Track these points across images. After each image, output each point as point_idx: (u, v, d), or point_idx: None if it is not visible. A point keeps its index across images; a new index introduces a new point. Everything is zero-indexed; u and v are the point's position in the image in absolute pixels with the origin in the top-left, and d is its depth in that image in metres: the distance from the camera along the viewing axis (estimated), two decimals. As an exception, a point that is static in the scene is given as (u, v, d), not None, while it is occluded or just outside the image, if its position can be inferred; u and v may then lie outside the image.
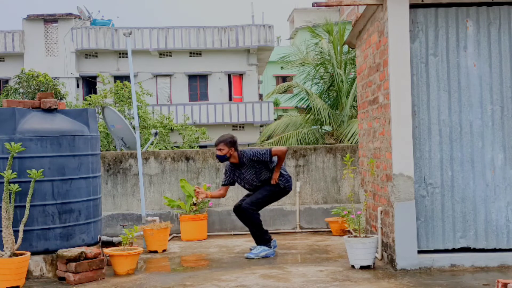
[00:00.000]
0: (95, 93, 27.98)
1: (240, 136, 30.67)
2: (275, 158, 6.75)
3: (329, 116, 16.68)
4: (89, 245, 5.93)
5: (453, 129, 5.62)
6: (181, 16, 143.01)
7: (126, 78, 27.34)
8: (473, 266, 5.51)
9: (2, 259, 5.16)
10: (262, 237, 6.68)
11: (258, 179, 6.74)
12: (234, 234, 8.41)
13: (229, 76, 31.28)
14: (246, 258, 6.50)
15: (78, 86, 31.06)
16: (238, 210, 6.75)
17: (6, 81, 29.70)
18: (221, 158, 6.69)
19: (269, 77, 42.41)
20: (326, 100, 17.75)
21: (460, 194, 5.61)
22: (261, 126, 30.61)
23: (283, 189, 6.78)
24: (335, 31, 18.01)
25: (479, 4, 5.66)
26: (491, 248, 5.60)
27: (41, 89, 23.54)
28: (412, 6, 5.62)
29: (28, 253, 5.39)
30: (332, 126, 17.14)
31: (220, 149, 6.64)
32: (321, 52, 18.01)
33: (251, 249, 6.81)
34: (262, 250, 6.59)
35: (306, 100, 17.58)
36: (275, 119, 29.00)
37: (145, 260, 6.62)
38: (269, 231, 7.27)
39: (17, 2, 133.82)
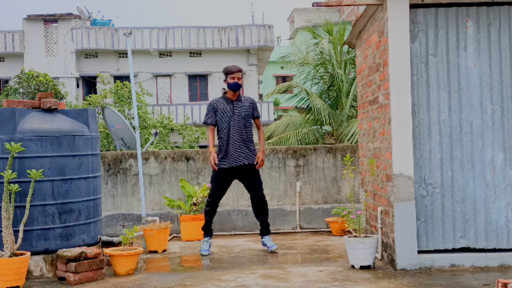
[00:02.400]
0: (95, 93, 28.01)
1: (240, 136, 30.71)
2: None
3: (329, 116, 16.70)
4: (89, 245, 5.93)
5: (453, 129, 5.62)
6: (181, 16, 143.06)
7: (126, 78, 27.36)
8: (473, 266, 5.51)
9: (2, 259, 5.16)
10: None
11: (245, 128, 6.73)
12: (234, 234, 8.41)
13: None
14: (275, 251, 6.77)
15: (78, 86, 31.08)
16: (261, 199, 6.83)
17: (6, 81, 29.73)
18: (240, 87, 6.71)
19: (269, 77, 42.43)
20: (326, 100, 17.76)
21: (460, 194, 5.61)
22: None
23: None
24: (335, 31, 18.02)
25: (479, 4, 5.66)
26: (491, 248, 5.60)
27: (41, 89, 23.58)
28: (412, 6, 5.62)
29: (28, 253, 5.38)
30: (332, 126, 17.15)
31: (239, 78, 6.67)
32: (321, 52, 18.02)
33: (266, 244, 6.92)
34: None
35: (306, 100, 17.60)
36: (275, 119, 29.03)
37: (145, 260, 6.62)
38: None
39: (17, 2, 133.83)
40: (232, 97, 6.76)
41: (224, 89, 6.88)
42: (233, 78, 6.66)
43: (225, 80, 6.80)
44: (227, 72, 6.72)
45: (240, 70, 6.71)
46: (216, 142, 6.85)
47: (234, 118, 6.69)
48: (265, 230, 6.97)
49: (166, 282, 5.43)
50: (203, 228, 6.95)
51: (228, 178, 6.85)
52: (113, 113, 11.77)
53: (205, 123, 6.81)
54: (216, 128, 6.83)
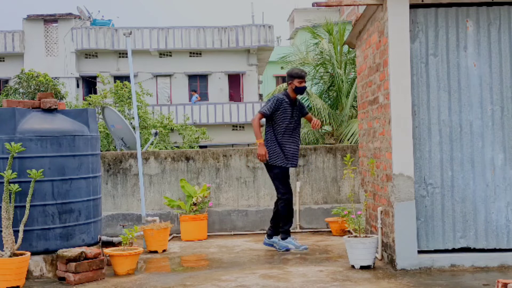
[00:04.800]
0: (95, 93, 28.03)
1: (240, 136, 30.75)
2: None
3: (329, 116, 16.67)
4: (89, 245, 5.93)
5: (453, 129, 5.62)
6: (181, 16, 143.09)
7: (126, 78, 27.36)
8: (473, 266, 5.51)
9: (2, 259, 5.16)
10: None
11: (297, 130, 6.96)
12: (234, 234, 8.41)
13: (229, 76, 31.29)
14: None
15: (78, 86, 31.09)
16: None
17: (6, 81, 29.73)
18: (304, 89, 6.94)
19: (269, 77, 42.41)
20: (326, 100, 17.74)
21: (460, 194, 5.61)
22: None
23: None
24: (335, 31, 18.00)
25: (479, 4, 5.66)
26: (491, 248, 5.60)
27: (41, 89, 23.57)
28: (412, 6, 5.62)
29: (28, 253, 5.39)
30: (332, 126, 17.13)
31: (305, 81, 6.90)
32: (321, 52, 18.00)
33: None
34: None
35: (306, 100, 17.57)
36: (275, 119, 28.88)
37: (145, 260, 6.63)
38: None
39: (17, 2, 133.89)
40: (294, 98, 6.96)
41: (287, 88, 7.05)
42: (301, 82, 6.86)
43: (290, 83, 6.90)
44: (297, 76, 6.86)
45: (306, 74, 6.99)
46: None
47: (292, 120, 6.90)
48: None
49: (166, 282, 5.43)
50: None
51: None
52: (113, 113, 11.78)
53: (264, 113, 6.91)
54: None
